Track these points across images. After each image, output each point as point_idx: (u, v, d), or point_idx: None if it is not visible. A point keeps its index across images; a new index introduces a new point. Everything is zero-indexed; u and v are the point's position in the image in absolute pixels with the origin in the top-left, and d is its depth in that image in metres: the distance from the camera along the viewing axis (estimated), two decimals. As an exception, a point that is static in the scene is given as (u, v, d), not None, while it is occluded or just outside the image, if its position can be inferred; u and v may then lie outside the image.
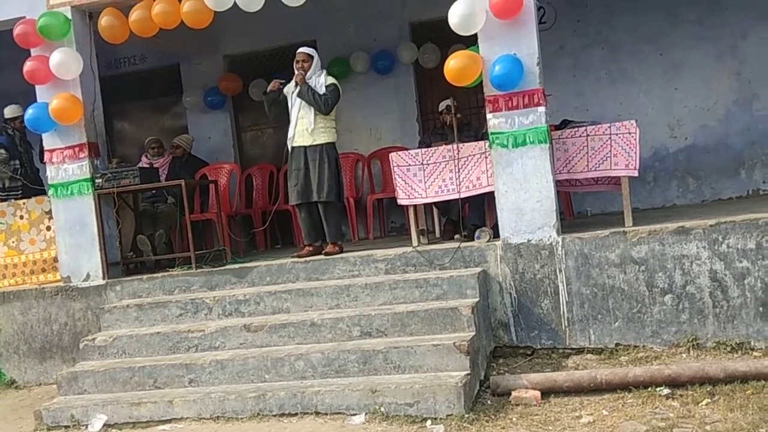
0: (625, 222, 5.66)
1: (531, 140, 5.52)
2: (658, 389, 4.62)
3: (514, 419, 4.49)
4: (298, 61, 6.37)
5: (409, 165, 6.03)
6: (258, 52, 8.83)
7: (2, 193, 7.61)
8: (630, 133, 5.63)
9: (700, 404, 4.41)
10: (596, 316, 5.46)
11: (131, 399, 5.20)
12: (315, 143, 6.31)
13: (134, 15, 6.13)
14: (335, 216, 6.44)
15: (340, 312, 5.48)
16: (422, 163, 6.00)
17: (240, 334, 5.48)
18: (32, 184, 7.82)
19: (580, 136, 5.77)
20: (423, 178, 6.00)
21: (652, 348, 5.33)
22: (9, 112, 7.76)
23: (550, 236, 5.53)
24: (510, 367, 5.41)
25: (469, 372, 4.72)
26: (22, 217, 6.93)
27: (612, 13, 7.97)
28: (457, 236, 6.22)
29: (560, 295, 5.53)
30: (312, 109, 6.29)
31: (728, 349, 5.16)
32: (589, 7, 8.03)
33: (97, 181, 6.43)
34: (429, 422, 4.49)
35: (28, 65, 6.29)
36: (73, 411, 5.25)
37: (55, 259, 6.70)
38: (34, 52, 6.40)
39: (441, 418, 4.50)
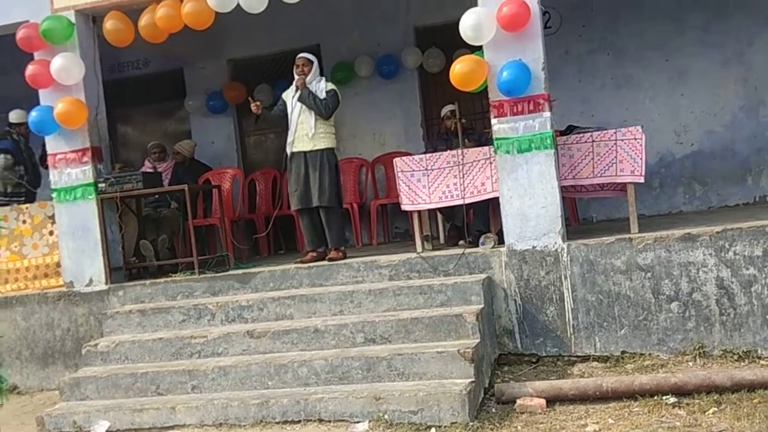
0: (630, 228, 5.63)
1: (536, 146, 5.49)
2: (664, 398, 4.58)
3: (519, 427, 4.45)
4: (298, 66, 6.36)
5: (413, 170, 6.00)
6: (262, 56, 8.83)
7: (4, 198, 7.59)
8: (636, 139, 5.60)
9: (706, 413, 4.36)
10: (602, 323, 5.42)
11: (134, 405, 5.17)
12: (315, 148, 6.30)
13: (142, 21, 6.12)
14: (337, 221, 6.42)
15: (343, 318, 5.44)
16: (426, 169, 5.97)
17: (243, 340, 5.45)
18: (35, 189, 7.82)
19: (586, 141, 5.74)
20: (427, 183, 5.97)
21: (658, 356, 5.29)
22: (14, 117, 7.75)
23: (556, 242, 5.50)
24: (515, 374, 5.38)
25: (473, 379, 4.69)
26: (24, 222, 6.91)
27: (617, 19, 7.95)
28: (461, 242, 6.19)
29: (565, 302, 5.49)
30: (312, 114, 6.28)
31: (735, 357, 5.12)
32: (595, 12, 8.01)
33: (100, 185, 6.42)
34: (433, 430, 4.45)
35: (30, 69, 6.28)
36: (75, 417, 5.22)
37: (58, 264, 6.68)
38: (37, 55, 6.40)
39: (445, 426, 4.46)
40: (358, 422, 4.63)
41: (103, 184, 6.42)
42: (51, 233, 6.81)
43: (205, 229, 7.83)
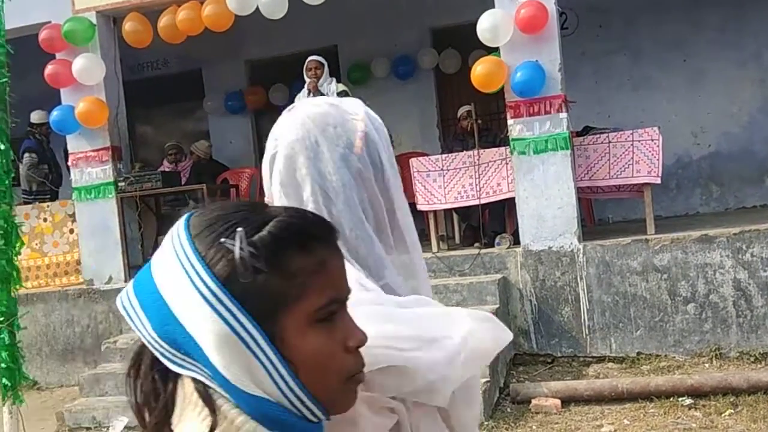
0: (647, 229, 5.61)
1: (552, 147, 5.49)
2: (680, 399, 4.57)
3: (534, 427, 4.46)
4: (310, 69, 6.43)
5: (429, 171, 6.02)
6: (279, 57, 8.87)
7: (30, 196, 7.71)
8: (653, 140, 5.58)
9: (722, 415, 4.35)
10: (617, 324, 5.42)
11: (151, 401, 5.22)
12: None
13: (162, 22, 6.20)
14: None
15: (359, 317, 5.47)
16: (442, 169, 5.99)
17: (260, 338, 5.49)
18: (57, 188, 7.93)
19: (602, 142, 5.73)
20: (443, 183, 5.99)
21: (674, 357, 5.27)
22: (36, 117, 7.87)
23: (571, 243, 5.50)
24: (530, 374, 5.38)
25: (488, 379, 4.70)
26: (45, 220, 7.00)
27: (634, 20, 7.92)
28: (476, 243, 6.20)
29: (581, 303, 5.49)
30: None
31: (752, 359, 5.09)
32: (612, 13, 7.99)
33: (120, 184, 6.49)
34: (448, 429, 4.47)
35: (50, 68, 6.36)
36: (94, 413, 5.28)
37: (78, 262, 6.76)
38: (58, 56, 6.48)
39: (460, 425, 4.48)
40: (373, 420, 4.65)
41: (123, 183, 6.49)
42: (71, 231, 6.89)
43: (223, 228, 7.87)
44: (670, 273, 5.31)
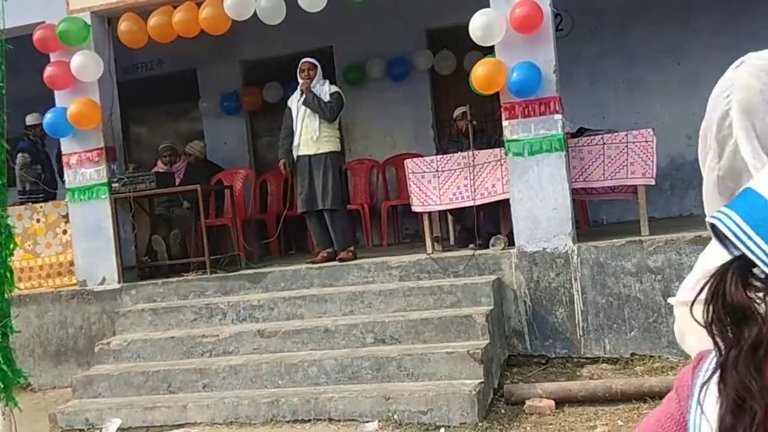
0: (641, 231, 5.63)
1: (547, 148, 5.50)
2: (674, 400, 4.57)
3: (528, 428, 4.46)
4: (303, 70, 6.44)
5: (424, 172, 6.02)
6: (275, 58, 8.86)
7: (24, 195, 7.70)
8: (647, 142, 5.60)
9: (716, 416, 4.35)
10: (611, 325, 5.43)
11: (145, 403, 5.22)
12: (319, 152, 6.36)
13: (153, 21, 6.18)
14: (342, 223, 6.46)
15: (353, 318, 5.47)
16: (437, 170, 5.99)
17: (254, 339, 5.49)
18: (51, 190, 7.92)
19: (597, 144, 5.74)
20: (438, 185, 5.99)
21: (668, 358, 5.28)
22: (31, 119, 7.88)
23: (566, 244, 5.51)
24: (524, 375, 5.38)
25: (482, 380, 4.70)
26: (38, 221, 6.98)
27: (629, 22, 7.94)
28: (471, 244, 6.20)
29: (575, 304, 5.49)
30: (317, 117, 6.33)
31: (745, 360, 5.09)
32: (607, 15, 8.01)
33: (113, 185, 6.47)
34: (442, 430, 4.47)
35: (48, 70, 6.35)
36: (87, 414, 5.27)
37: (71, 263, 6.74)
38: (53, 57, 6.46)
39: (454, 426, 4.48)
40: (367, 422, 4.65)
41: (117, 184, 6.47)
42: (65, 232, 6.87)
43: (217, 228, 7.87)
44: (664, 274, 5.32)
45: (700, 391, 0.75)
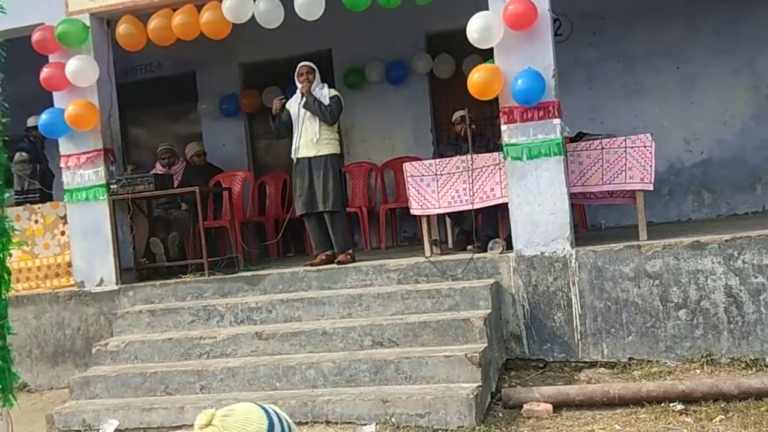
0: (639, 235, 5.63)
1: (546, 152, 5.51)
2: (671, 405, 4.58)
3: (526, 432, 4.46)
4: (302, 74, 6.45)
5: (423, 175, 6.03)
6: (273, 60, 8.87)
7: (21, 195, 7.70)
8: (645, 147, 5.61)
9: (713, 420, 4.36)
10: (609, 329, 5.43)
11: (142, 404, 5.21)
12: (319, 154, 6.36)
13: (153, 24, 6.19)
14: (342, 225, 6.47)
15: (352, 321, 5.47)
16: (436, 174, 6.00)
17: (251, 341, 5.49)
18: (47, 191, 7.93)
19: (595, 148, 5.76)
20: (436, 188, 6.00)
21: (665, 363, 5.29)
22: (32, 121, 7.90)
23: (564, 249, 5.51)
24: (522, 379, 5.39)
25: (480, 384, 4.70)
26: (36, 222, 6.98)
27: (628, 27, 7.96)
28: (469, 247, 6.21)
29: (573, 308, 5.50)
30: (317, 120, 6.34)
31: (743, 365, 5.11)
32: (606, 19, 8.03)
33: (112, 186, 6.47)
34: (440, 434, 4.47)
35: (45, 72, 6.35)
36: (84, 415, 5.26)
37: (69, 264, 6.74)
38: (51, 58, 6.46)
39: (452, 430, 4.48)
40: (365, 425, 4.65)
41: (115, 186, 6.47)
42: (63, 233, 6.87)
43: (215, 230, 7.87)
44: (662, 279, 5.33)
45: None
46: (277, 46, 8.56)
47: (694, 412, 4.50)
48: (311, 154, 6.38)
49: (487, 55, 5.85)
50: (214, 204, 8.09)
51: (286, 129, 6.57)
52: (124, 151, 6.98)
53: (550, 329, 5.54)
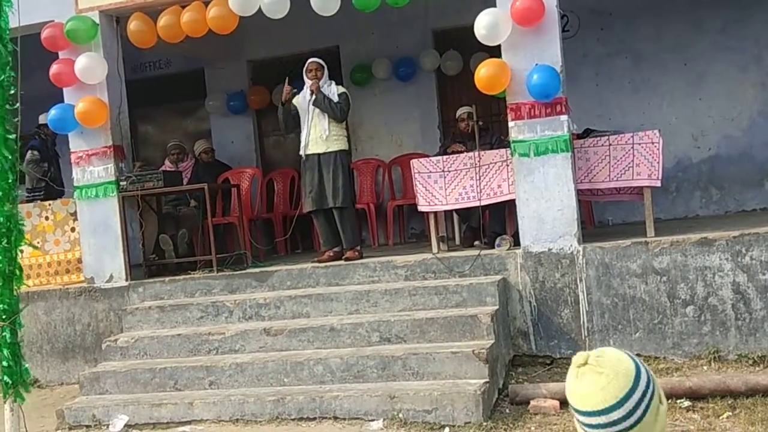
0: (647, 232, 5.63)
1: (553, 149, 5.51)
2: (678, 401, 4.59)
3: (533, 428, 4.48)
4: (311, 70, 6.47)
5: (430, 172, 6.04)
6: (281, 57, 8.89)
7: (29, 193, 7.75)
8: (653, 143, 5.60)
9: (720, 417, 4.37)
10: (616, 326, 5.44)
11: (152, 400, 5.25)
12: (329, 150, 6.39)
13: (162, 21, 6.21)
14: (351, 221, 6.49)
15: (359, 317, 5.50)
16: (443, 170, 6.01)
17: (260, 337, 5.52)
18: (58, 188, 7.99)
19: (603, 145, 5.75)
20: (444, 185, 6.01)
21: (672, 359, 5.29)
22: (43, 118, 7.94)
23: (571, 245, 5.52)
24: (529, 376, 5.40)
25: (487, 380, 4.72)
26: (47, 218, 7.03)
27: (636, 23, 7.94)
28: (477, 243, 6.22)
29: (580, 305, 5.51)
30: (326, 116, 6.37)
31: (750, 362, 5.11)
32: (613, 16, 8.01)
33: (121, 183, 6.51)
34: (447, 429, 4.49)
35: (54, 68, 6.39)
36: (94, 411, 5.31)
37: (79, 260, 6.78)
38: (61, 55, 6.50)
39: (459, 426, 4.50)
40: (372, 420, 4.68)
41: (125, 182, 6.51)
42: (73, 230, 6.92)
43: (224, 227, 7.91)
44: (670, 275, 5.33)
45: None
46: (285, 43, 8.58)
47: (702, 408, 4.51)
48: (321, 150, 6.41)
49: (494, 51, 5.85)
50: (222, 201, 8.12)
51: (294, 122, 6.57)
52: (133, 148, 7.01)
53: (557, 326, 5.56)
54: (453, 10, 8.02)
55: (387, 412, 4.67)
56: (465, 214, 6.44)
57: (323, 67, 6.51)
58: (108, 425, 5.23)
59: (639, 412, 1.38)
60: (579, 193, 5.71)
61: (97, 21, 6.45)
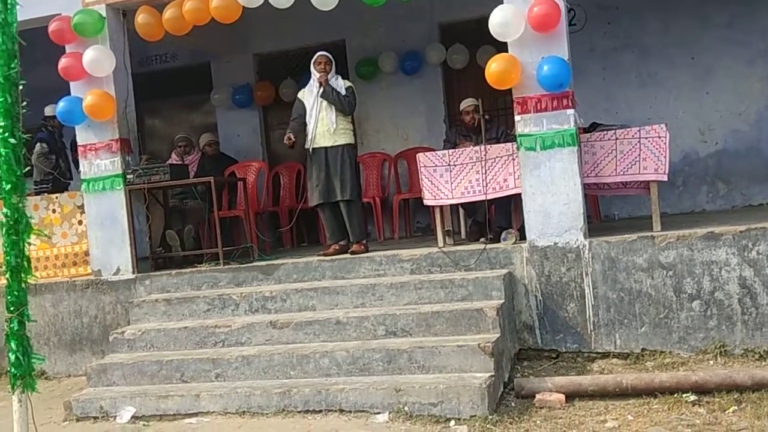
0: (653, 226, 5.63)
1: (559, 143, 5.50)
2: (684, 395, 4.59)
3: (538, 422, 4.49)
4: (320, 63, 6.47)
5: (436, 166, 6.04)
6: (287, 51, 8.91)
7: (36, 186, 7.80)
8: (660, 137, 5.59)
9: (726, 411, 4.37)
10: (622, 320, 5.44)
11: (159, 392, 5.28)
12: (336, 144, 6.40)
13: (167, 13, 6.22)
14: (358, 215, 6.50)
15: (365, 311, 5.51)
16: (449, 164, 6.01)
17: (266, 330, 5.54)
18: (66, 180, 8.03)
19: (609, 139, 5.74)
20: (450, 179, 6.01)
21: (678, 354, 5.29)
22: (49, 110, 8.00)
23: (577, 239, 5.52)
24: (534, 369, 5.41)
25: (493, 373, 4.73)
26: (54, 211, 7.06)
27: (642, 17, 7.92)
28: (482, 238, 6.22)
29: (586, 299, 5.51)
30: (333, 110, 6.37)
31: (756, 356, 5.11)
32: (620, 9, 7.99)
33: (128, 176, 6.53)
34: (452, 422, 4.50)
35: (62, 62, 6.41)
36: (102, 402, 5.34)
37: (86, 253, 6.81)
38: (68, 48, 6.52)
39: (465, 419, 4.51)
40: (378, 413, 4.69)
41: (131, 176, 6.53)
42: (80, 223, 6.95)
43: (230, 220, 7.93)
44: (676, 270, 5.33)
45: None
46: (291, 37, 8.59)
47: (707, 403, 4.51)
48: (328, 144, 6.41)
49: (500, 45, 5.84)
50: (229, 194, 8.14)
51: (302, 127, 6.53)
52: (139, 142, 7.03)
53: (563, 320, 5.56)
54: (459, 3, 8.01)
55: (392, 405, 4.68)
56: (471, 208, 6.44)
57: (331, 61, 6.52)
58: (115, 417, 5.26)
59: None
60: (585, 187, 5.70)
61: (104, 14, 6.46)
